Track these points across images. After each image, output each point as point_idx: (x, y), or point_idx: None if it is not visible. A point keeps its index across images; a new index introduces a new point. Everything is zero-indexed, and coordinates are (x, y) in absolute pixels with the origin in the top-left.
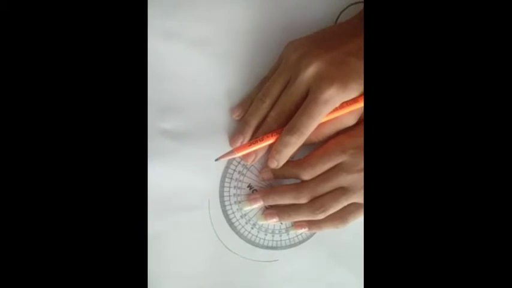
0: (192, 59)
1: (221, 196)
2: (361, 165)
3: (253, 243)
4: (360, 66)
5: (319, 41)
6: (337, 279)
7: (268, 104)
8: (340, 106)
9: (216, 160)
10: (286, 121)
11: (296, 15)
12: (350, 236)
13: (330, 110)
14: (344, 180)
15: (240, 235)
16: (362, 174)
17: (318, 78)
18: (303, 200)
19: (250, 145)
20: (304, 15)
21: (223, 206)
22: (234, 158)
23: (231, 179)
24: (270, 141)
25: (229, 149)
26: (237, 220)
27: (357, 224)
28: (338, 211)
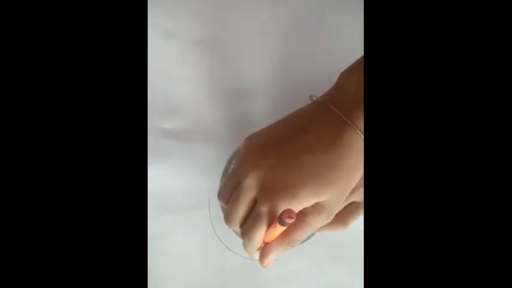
0: (192, 59)
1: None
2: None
3: None
4: (317, 162)
5: (271, 138)
6: (337, 279)
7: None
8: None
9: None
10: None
11: (298, 15)
12: (350, 235)
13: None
14: None
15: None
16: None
17: (259, 188)
18: None
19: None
20: (306, 15)
21: (223, 206)
22: (233, 158)
23: None
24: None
25: (228, 147)
26: None
27: (357, 224)
28: (338, 213)
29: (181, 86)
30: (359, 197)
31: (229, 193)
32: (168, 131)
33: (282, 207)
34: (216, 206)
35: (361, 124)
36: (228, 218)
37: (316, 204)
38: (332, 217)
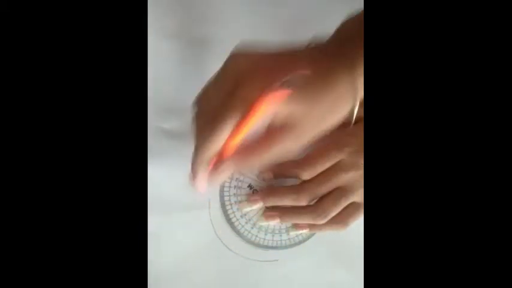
0: (192, 59)
1: (221, 196)
2: (359, 163)
3: (253, 243)
4: (310, 76)
5: (261, 61)
6: (337, 279)
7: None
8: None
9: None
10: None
11: (298, 14)
12: (350, 236)
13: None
14: (342, 179)
15: (240, 235)
16: (360, 173)
17: (247, 71)
18: (303, 202)
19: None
20: (306, 15)
21: (223, 206)
22: None
23: (231, 178)
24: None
25: None
26: (237, 220)
27: (357, 223)
28: (338, 214)
29: (181, 86)
30: (359, 197)
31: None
32: (168, 131)
33: (258, 93)
34: (216, 206)
35: (355, 72)
36: (199, 101)
37: (289, 117)
38: (299, 143)
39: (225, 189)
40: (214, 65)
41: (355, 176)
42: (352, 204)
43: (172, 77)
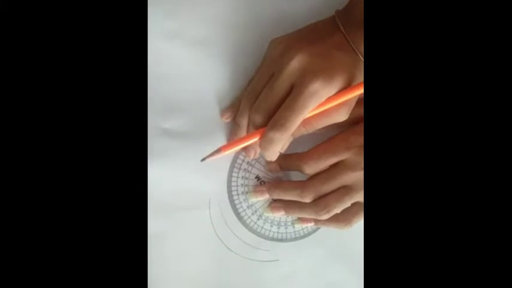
0: (192, 59)
1: (229, 186)
2: None
3: (258, 234)
4: (344, 59)
5: (301, 36)
6: (337, 279)
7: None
8: (326, 100)
9: (202, 160)
10: (270, 117)
11: (299, 15)
12: (350, 235)
13: (315, 104)
14: (348, 178)
15: (246, 225)
16: None
17: (301, 72)
18: (307, 199)
19: (236, 143)
20: (308, 15)
21: (230, 196)
22: (238, 157)
23: (239, 169)
24: (255, 137)
25: None
26: (244, 210)
27: (358, 223)
28: (342, 212)
29: (181, 86)
30: (363, 196)
31: (263, 85)
32: (168, 131)
33: (321, 91)
34: (216, 206)
35: (361, 47)
36: (259, 108)
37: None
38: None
39: (233, 179)
40: (214, 65)
41: (360, 176)
42: (357, 203)
43: (172, 77)
